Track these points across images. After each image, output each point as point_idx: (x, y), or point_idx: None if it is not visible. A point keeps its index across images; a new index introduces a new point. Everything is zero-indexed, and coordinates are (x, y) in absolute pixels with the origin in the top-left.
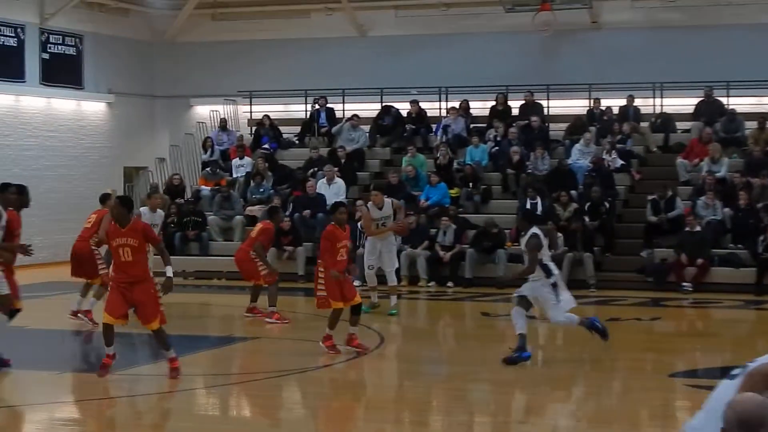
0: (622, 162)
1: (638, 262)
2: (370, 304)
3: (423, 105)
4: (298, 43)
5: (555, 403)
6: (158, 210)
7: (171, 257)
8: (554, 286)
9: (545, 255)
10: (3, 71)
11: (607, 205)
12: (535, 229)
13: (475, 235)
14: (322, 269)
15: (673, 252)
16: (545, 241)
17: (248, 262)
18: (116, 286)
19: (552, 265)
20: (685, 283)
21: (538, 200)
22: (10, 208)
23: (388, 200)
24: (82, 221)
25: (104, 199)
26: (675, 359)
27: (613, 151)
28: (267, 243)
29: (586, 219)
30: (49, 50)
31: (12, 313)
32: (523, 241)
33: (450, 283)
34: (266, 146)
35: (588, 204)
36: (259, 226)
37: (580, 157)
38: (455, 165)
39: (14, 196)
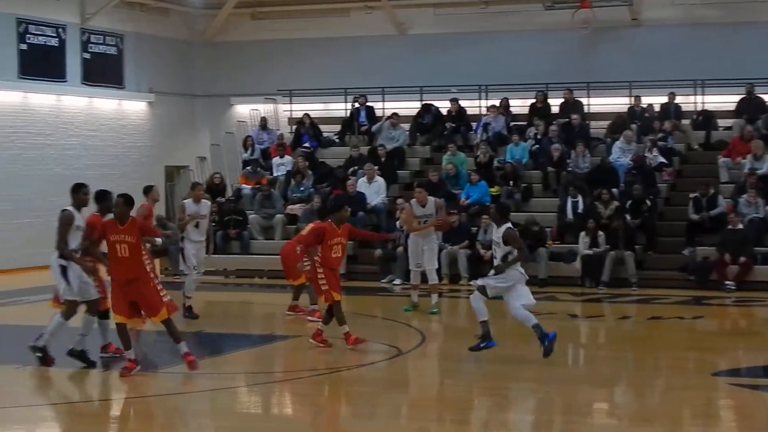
0: (663, 160)
1: (680, 261)
2: (411, 303)
3: (463, 103)
4: (338, 41)
5: (596, 401)
6: (203, 201)
7: (213, 256)
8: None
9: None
10: (45, 71)
11: (649, 203)
12: (509, 223)
13: None
14: (319, 265)
15: (716, 250)
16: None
17: (292, 258)
18: (116, 286)
19: None
20: (727, 282)
21: (579, 198)
22: (95, 213)
23: (431, 198)
24: None
25: (147, 190)
26: (718, 358)
27: (655, 149)
28: (313, 242)
29: (628, 217)
30: (90, 50)
31: (102, 314)
32: (498, 233)
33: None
34: (306, 145)
35: (629, 202)
36: (310, 225)
37: (620, 154)
38: (495, 163)
39: (87, 196)
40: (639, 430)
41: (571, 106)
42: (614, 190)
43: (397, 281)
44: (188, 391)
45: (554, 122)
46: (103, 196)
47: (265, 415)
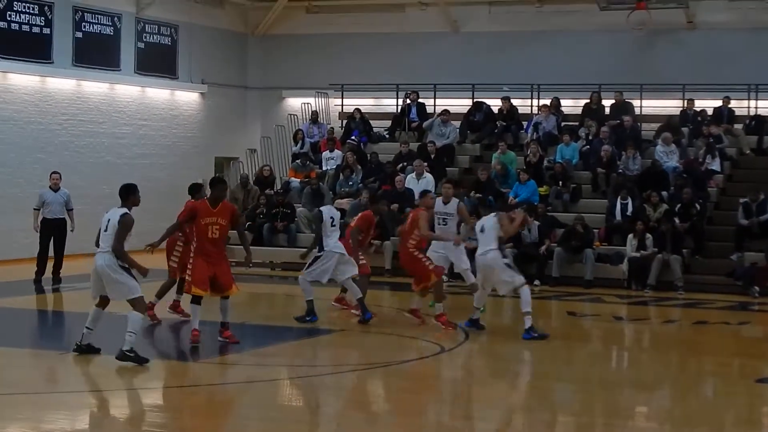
0: (716, 168)
1: (728, 266)
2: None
3: (514, 102)
4: (391, 37)
5: (639, 405)
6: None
7: (260, 248)
8: (508, 265)
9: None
10: (99, 59)
11: (698, 206)
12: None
13: (563, 234)
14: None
15: (764, 256)
16: None
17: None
18: (202, 263)
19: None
20: None
21: (629, 200)
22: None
23: (455, 200)
24: (172, 210)
25: (196, 189)
26: (763, 365)
27: (709, 156)
28: (365, 230)
29: (677, 220)
30: (144, 39)
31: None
32: (481, 223)
33: (537, 282)
34: (353, 138)
35: (679, 205)
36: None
37: (664, 157)
38: (545, 163)
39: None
40: None
41: (623, 107)
42: (663, 193)
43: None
44: (230, 382)
45: (606, 123)
46: (197, 189)
47: (306, 409)
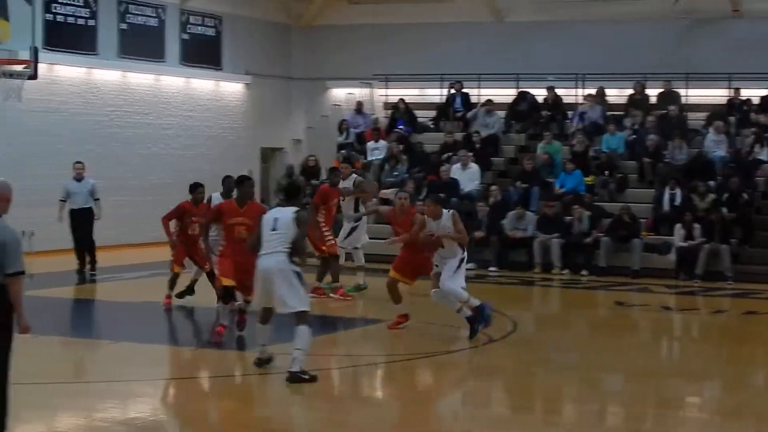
0: (764, 159)
1: None
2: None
3: (559, 91)
4: (435, 27)
5: (688, 395)
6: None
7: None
8: (461, 261)
9: None
10: (144, 51)
11: (746, 196)
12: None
13: (610, 224)
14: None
15: None
16: None
17: None
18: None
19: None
20: None
21: (678, 191)
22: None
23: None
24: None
25: (242, 181)
26: None
27: (758, 145)
28: (321, 205)
29: (724, 210)
30: (188, 31)
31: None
32: (440, 224)
33: (584, 272)
34: (398, 128)
35: (726, 195)
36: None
37: (713, 146)
38: (591, 152)
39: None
40: (730, 425)
41: (668, 96)
42: (711, 182)
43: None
44: (278, 372)
45: (651, 113)
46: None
47: (354, 399)
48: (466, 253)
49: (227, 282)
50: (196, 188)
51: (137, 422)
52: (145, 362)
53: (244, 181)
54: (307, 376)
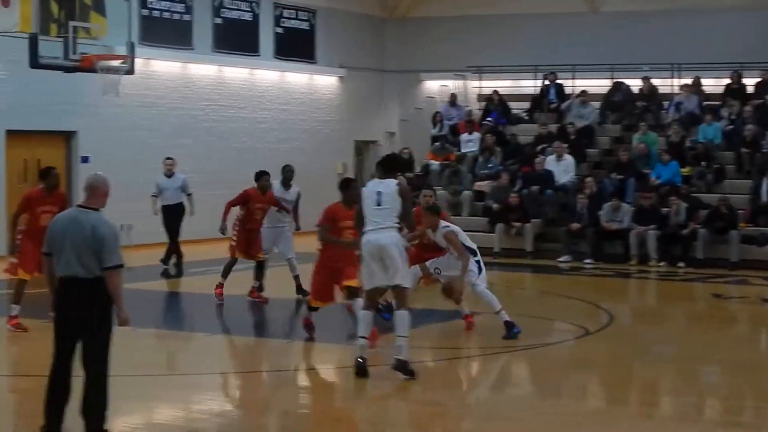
0: None
1: None
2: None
3: (654, 82)
4: (529, 18)
5: None
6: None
7: None
8: (478, 263)
9: (465, 239)
10: (239, 45)
11: None
12: (445, 223)
13: (707, 215)
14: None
15: None
16: (458, 228)
17: None
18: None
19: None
20: None
21: None
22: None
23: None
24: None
25: (347, 184)
26: None
27: None
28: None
29: None
30: (282, 24)
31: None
32: (438, 235)
33: (681, 263)
34: (489, 119)
35: None
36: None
37: None
38: (687, 143)
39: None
40: None
41: (766, 86)
42: None
43: (565, 258)
44: (372, 365)
45: (749, 102)
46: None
47: (449, 391)
48: (479, 256)
49: (350, 283)
50: (261, 176)
51: (233, 414)
52: (238, 354)
53: (350, 184)
54: (411, 369)
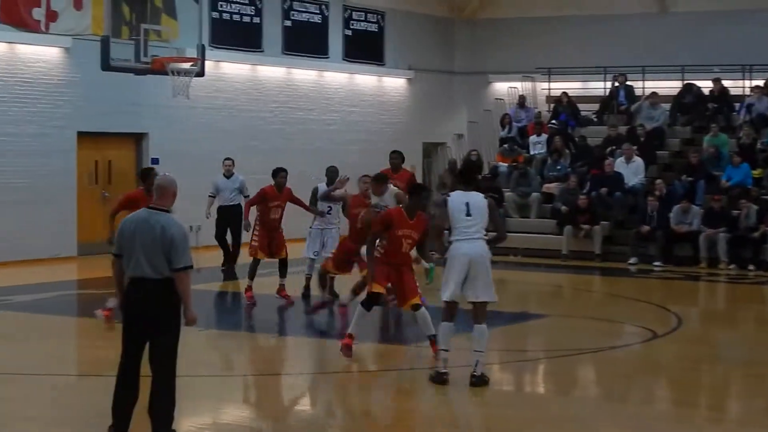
0: None
1: None
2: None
3: (725, 83)
4: (598, 19)
5: None
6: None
7: None
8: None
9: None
10: (308, 47)
11: None
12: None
13: None
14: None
15: None
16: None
17: None
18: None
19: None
20: None
21: None
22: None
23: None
24: None
25: (420, 191)
26: None
27: None
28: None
29: None
30: (351, 27)
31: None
32: (387, 197)
33: (751, 266)
34: (557, 121)
35: None
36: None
37: None
38: (759, 145)
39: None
40: None
41: None
42: None
43: (634, 260)
44: (422, 368)
45: None
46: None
47: (516, 393)
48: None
49: (377, 289)
50: (278, 173)
51: (303, 415)
52: (306, 355)
53: (421, 192)
54: (487, 379)
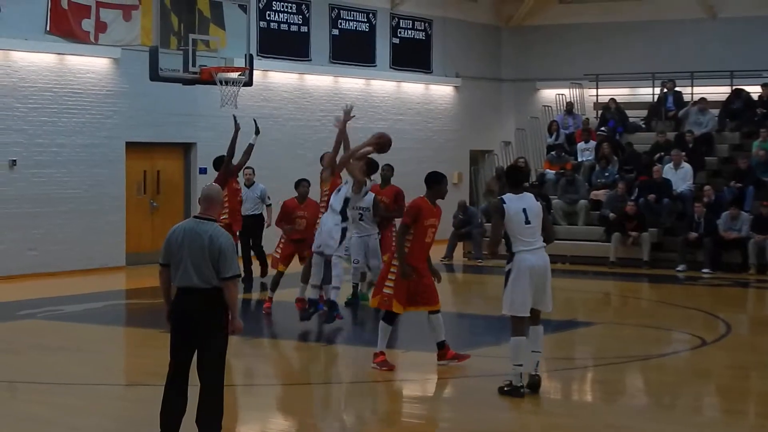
0: None
1: None
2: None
3: None
4: (646, 25)
5: None
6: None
7: None
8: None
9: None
10: (355, 56)
11: None
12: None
13: None
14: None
15: None
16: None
17: None
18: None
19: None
20: None
21: None
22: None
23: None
24: None
25: (439, 180)
26: None
27: None
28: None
29: None
30: (399, 35)
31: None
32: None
33: None
34: (605, 128)
35: None
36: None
37: None
38: None
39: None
40: None
41: None
42: None
43: (682, 267)
44: (486, 374)
45: None
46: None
47: (564, 401)
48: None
49: (398, 310)
50: (300, 183)
51: (350, 423)
52: (353, 363)
53: (442, 180)
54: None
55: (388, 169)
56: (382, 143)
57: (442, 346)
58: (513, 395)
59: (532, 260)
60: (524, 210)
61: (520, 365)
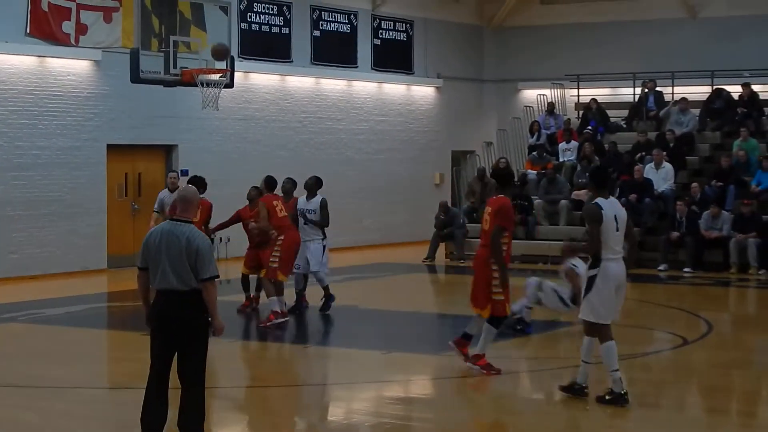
0: None
1: None
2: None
3: (755, 88)
4: (626, 25)
5: None
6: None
7: None
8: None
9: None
10: (337, 57)
11: None
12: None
13: None
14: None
15: None
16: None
17: None
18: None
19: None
20: None
21: None
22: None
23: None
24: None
25: (510, 179)
26: None
27: None
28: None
29: None
30: (380, 36)
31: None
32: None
33: None
34: (587, 128)
35: None
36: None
37: None
38: None
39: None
40: None
41: None
42: None
43: (664, 266)
44: (462, 375)
45: None
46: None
47: (546, 402)
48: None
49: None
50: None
51: (334, 426)
52: (334, 365)
53: (512, 180)
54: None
55: (289, 182)
56: None
57: (468, 339)
58: (616, 403)
59: (617, 270)
60: (615, 217)
61: (617, 370)
